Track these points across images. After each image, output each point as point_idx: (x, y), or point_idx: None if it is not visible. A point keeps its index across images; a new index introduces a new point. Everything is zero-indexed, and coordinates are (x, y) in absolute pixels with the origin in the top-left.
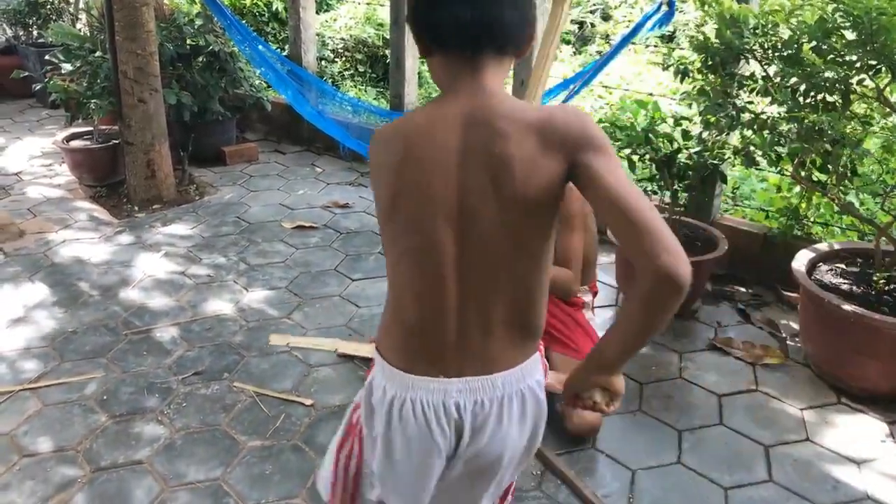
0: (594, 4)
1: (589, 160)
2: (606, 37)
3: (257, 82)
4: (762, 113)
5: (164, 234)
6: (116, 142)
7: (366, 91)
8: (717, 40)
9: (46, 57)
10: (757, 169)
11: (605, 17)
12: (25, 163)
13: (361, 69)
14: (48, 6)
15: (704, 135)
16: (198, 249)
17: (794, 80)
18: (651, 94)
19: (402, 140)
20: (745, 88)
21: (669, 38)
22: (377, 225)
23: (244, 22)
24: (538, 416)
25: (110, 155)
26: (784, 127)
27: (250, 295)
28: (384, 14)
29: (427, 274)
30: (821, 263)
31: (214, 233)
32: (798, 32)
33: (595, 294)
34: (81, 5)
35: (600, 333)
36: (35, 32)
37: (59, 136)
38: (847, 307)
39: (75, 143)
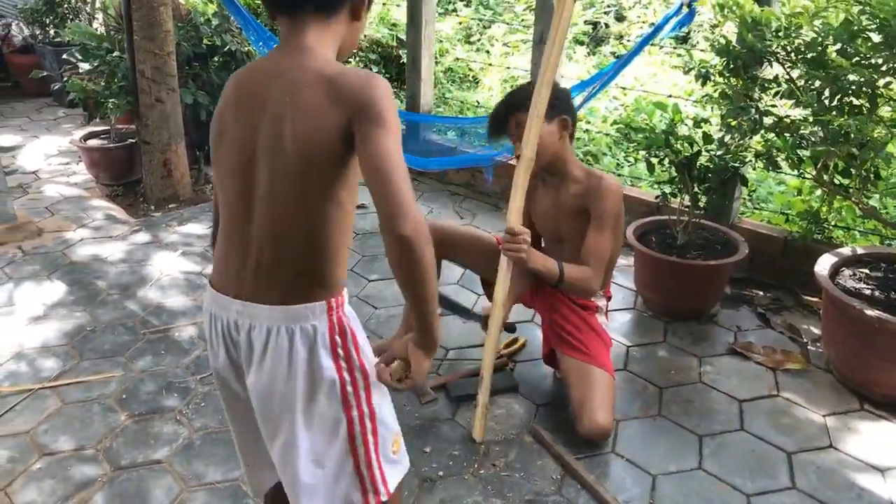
0: (608, 5)
1: (363, 125)
2: (620, 37)
3: None
4: (786, 116)
5: (181, 233)
6: (133, 141)
7: None
8: (738, 44)
9: (64, 56)
10: (777, 172)
11: (619, 18)
12: (43, 161)
13: (375, 69)
14: (65, 5)
15: (726, 138)
16: None
17: (818, 83)
18: (670, 97)
19: (231, 87)
20: (767, 92)
21: (684, 39)
22: None
23: (259, 21)
24: (312, 364)
25: (127, 154)
26: (807, 129)
27: None
28: (397, 14)
29: (231, 204)
30: (843, 268)
31: None
32: (822, 35)
33: (609, 299)
34: (98, 4)
35: (614, 338)
36: (52, 31)
37: (77, 135)
38: (871, 312)
39: (92, 143)
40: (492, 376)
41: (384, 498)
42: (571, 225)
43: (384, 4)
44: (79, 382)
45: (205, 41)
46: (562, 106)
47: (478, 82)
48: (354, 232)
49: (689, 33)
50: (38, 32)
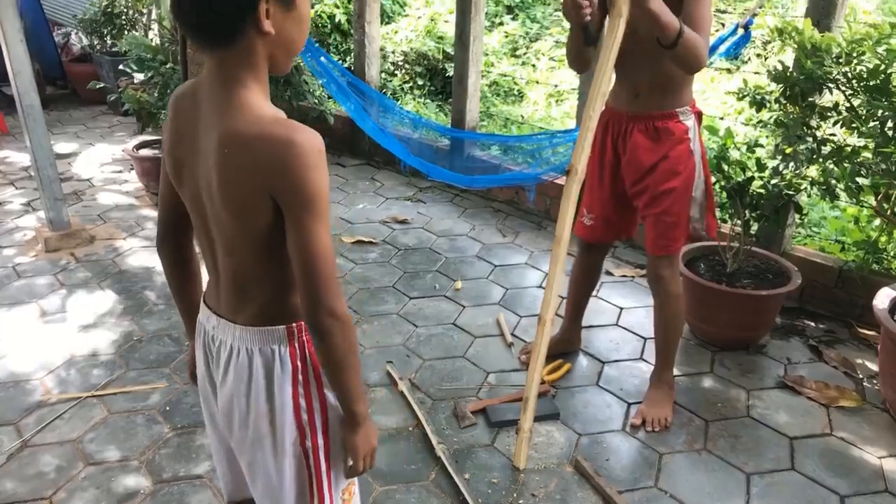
0: None
1: (286, 203)
2: None
3: (318, 92)
4: (846, 145)
5: None
6: None
7: (425, 104)
8: (795, 71)
9: (120, 67)
10: (834, 201)
11: None
12: (97, 169)
13: (421, 82)
14: (123, 17)
15: (781, 167)
16: None
17: (881, 112)
18: (721, 118)
19: (171, 115)
20: (826, 120)
21: (734, 55)
22: (435, 242)
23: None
24: (271, 388)
25: None
26: (866, 156)
27: None
28: (444, 28)
29: (198, 227)
30: None
31: None
32: (886, 62)
33: (700, 119)
34: (154, 16)
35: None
36: (109, 41)
37: (130, 144)
38: None
39: (144, 152)
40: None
41: None
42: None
43: (432, 20)
44: (125, 392)
45: None
46: None
47: (523, 96)
48: (395, 247)
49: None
50: (96, 42)
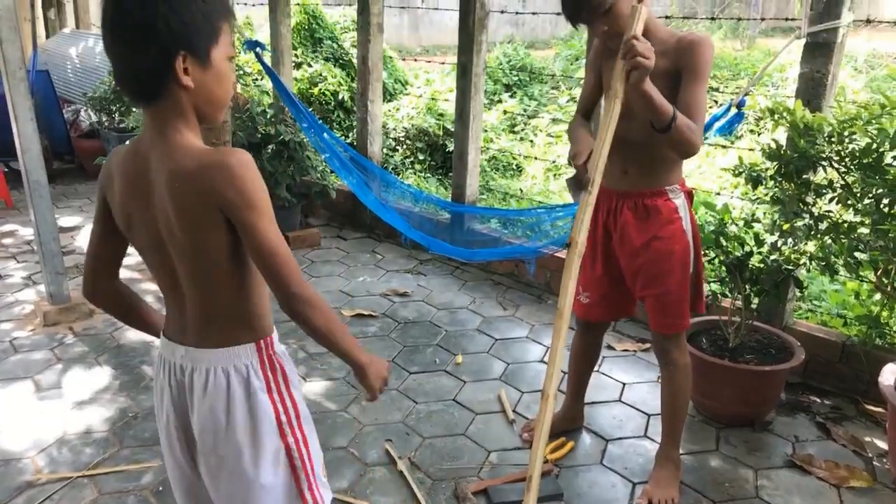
0: None
1: (235, 213)
2: None
3: (321, 168)
4: (844, 222)
5: None
6: None
7: (426, 179)
8: (789, 149)
9: (127, 142)
10: (834, 276)
11: None
12: None
13: (422, 157)
14: None
15: (779, 243)
16: None
17: (876, 190)
18: (718, 193)
19: (117, 173)
20: (822, 196)
21: (728, 130)
22: (436, 315)
23: (311, 110)
24: (249, 399)
25: None
26: (863, 231)
27: (308, 386)
28: (444, 105)
29: (157, 273)
30: None
31: (275, 319)
32: (878, 141)
33: (690, 196)
34: None
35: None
36: (117, 118)
37: None
38: None
39: None
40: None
41: None
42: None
43: (432, 98)
44: (117, 472)
45: (260, 130)
46: None
47: (521, 171)
48: (395, 320)
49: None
50: (104, 119)
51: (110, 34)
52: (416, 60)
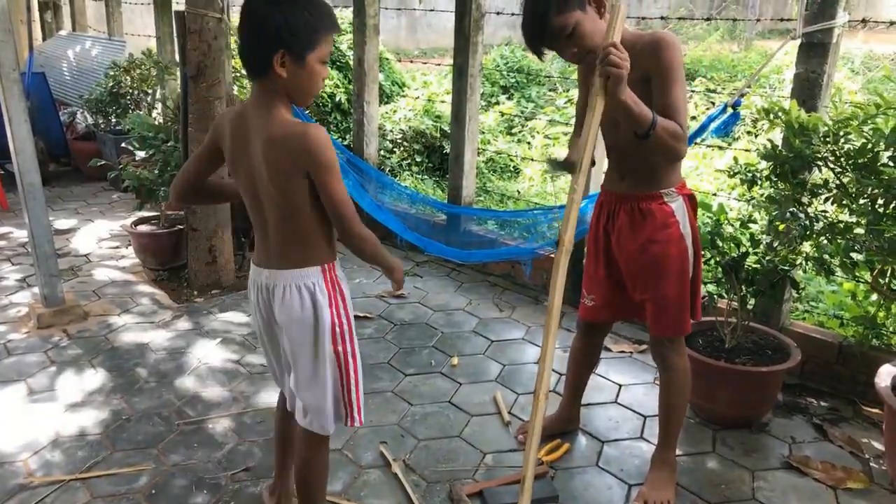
0: None
1: (313, 171)
2: None
3: None
4: (840, 222)
5: (221, 320)
6: (181, 227)
7: (423, 180)
8: (784, 149)
9: (122, 144)
10: (830, 277)
11: None
12: (94, 245)
13: (419, 159)
14: (128, 97)
15: (775, 244)
16: (252, 338)
17: (871, 190)
18: (714, 194)
19: (228, 129)
20: (817, 197)
21: (724, 132)
22: (432, 317)
23: (308, 112)
24: (315, 310)
25: (174, 240)
26: (859, 231)
27: None
28: (441, 107)
29: (251, 207)
30: None
31: None
32: (873, 141)
33: (692, 200)
34: (158, 96)
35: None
36: (114, 120)
37: (128, 221)
38: None
39: (142, 228)
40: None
41: (357, 424)
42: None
43: (429, 100)
44: (110, 475)
45: None
46: None
47: (519, 173)
48: (391, 322)
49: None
50: (100, 121)
51: (241, 22)
52: (411, 62)
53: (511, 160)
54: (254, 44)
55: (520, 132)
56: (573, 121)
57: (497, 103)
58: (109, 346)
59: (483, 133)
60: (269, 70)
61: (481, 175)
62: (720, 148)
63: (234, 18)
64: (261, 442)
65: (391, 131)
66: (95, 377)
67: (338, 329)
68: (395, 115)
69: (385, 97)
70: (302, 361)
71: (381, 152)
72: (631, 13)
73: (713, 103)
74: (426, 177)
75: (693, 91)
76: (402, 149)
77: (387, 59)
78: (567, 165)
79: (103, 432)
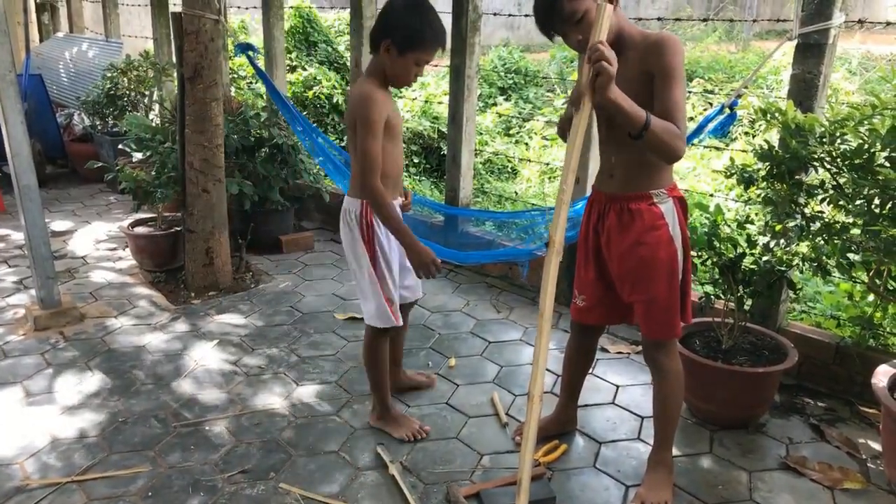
0: None
1: (357, 126)
2: None
3: (315, 171)
4: (836, 222)
5: (218, 322)
6: (178, 229)
7: (420, 181)
8: (781, 150)
9: (119, 146)
10: (826, 277)
11: None
12: (91, 246)
13: (417, 160)
14: (125, 98)
15: (771, 244)
16: (250, 339)
17: (867, 190)
18: (711, 195)
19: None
20: (814, 197)
21: (722, 133)
22: (429, 318)
23: (305, 114)
24: (352, 234)
25: (171, 241)
26: (855, 232)
27: (301, 389)
28: (439, 108)
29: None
30: None
31: (267, 322)
32: (869, 142)
33: (682, 203)
34: (155, 98)
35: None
36: (111, 122)
37: (125, 222)
38: None
39: (139, 230)
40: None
41: (400, 324)
42: (633, 96)
43: (427, 101)
44: (106, 477)
45: (253, 134)
46: None
47: (516, 174)
48: None
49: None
50: (97, 123)
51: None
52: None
53: (509, 161)
54: (376, 27)
55: (517, 133)
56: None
57: (495, 104)
58: (106, 348)
59: (481, 134)
60: (378, 50)
61: (479, 176)
62: (717, 149)
63: (232, 20)
64: (258, 443)
65: None
66: (92, 379)
67: (373, 257)
68: None
69: None
70: (352, 270)
71: None
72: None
73: (710, 104)
74: (424, 178)
75: (691, 92)
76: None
77: None
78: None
79: (100, 434)
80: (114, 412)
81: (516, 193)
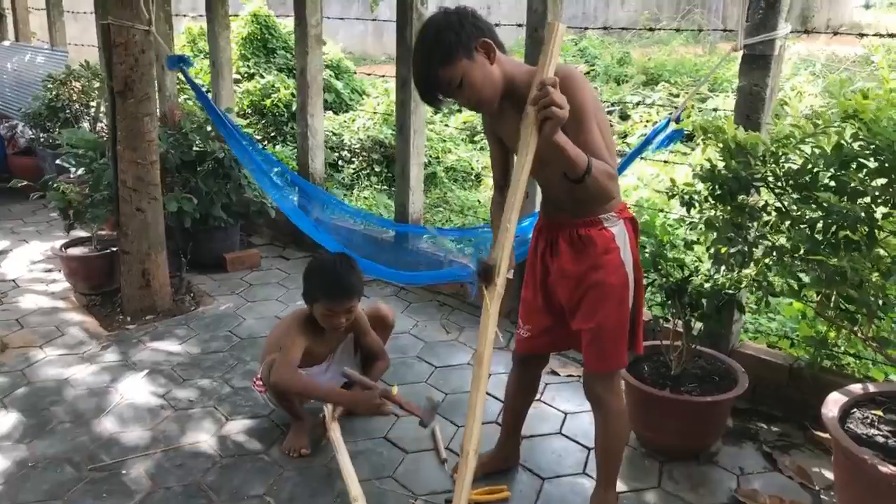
0: (611, 104)
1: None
2: (625, 136)
3: (259, 186)
4: (781, 246)
5: (152, 349)
6: (114, 249)
7: (380, 190)
8: (724, 170)
9: (57, 161)
10: (776, 297)
11: (623, 117)
12: (25, 268)
13: (378, 169)
14: (67, 110)
15: (712, 271)
16: (182, 369)
17: (810, 214)
18: (661, 211)
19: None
20: (758, 220)
21: (689, 137)
22: None
23: (264, 122)
24: None
25: (107, 263)
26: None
27: (231, 424)
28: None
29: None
30: (854, 409)
31: (203, 349)
32: (812, 161)
33: (633, 224)
34: (103, 110)
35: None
36: (56, 134)
37: (58, 243)
38: (885, 469)
39: (73, 251)
40: None
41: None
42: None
43: (387, 110)
44: None
45: (194, 148)
46: (470, 32)
47: (480, 181)
48: None
49: (694, 134)
50: (40, 136)
51: None
52: (369, 75)
53: (472, 168)
54: None
55: (481, 140)
56: None
57: (459, 111)
58: (26, 381)
59: (444, 141)
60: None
61: (442, 184)
62: (666, 163)
63: (193, 27)
64: (177, 488)
65: (349, 141)
66: (5, 419)
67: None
68: (353, 124)
69: (344, 106)
70: None
71: (339, 163)
72: (598, 17)
73: (676, 107)
74: (385, 187)
75: (651, 94)
76: (360, 159)
77: (347, 67)
78: (485, 270)
79: (5, 483)
80: (24, 456)
81: (479, 202)
